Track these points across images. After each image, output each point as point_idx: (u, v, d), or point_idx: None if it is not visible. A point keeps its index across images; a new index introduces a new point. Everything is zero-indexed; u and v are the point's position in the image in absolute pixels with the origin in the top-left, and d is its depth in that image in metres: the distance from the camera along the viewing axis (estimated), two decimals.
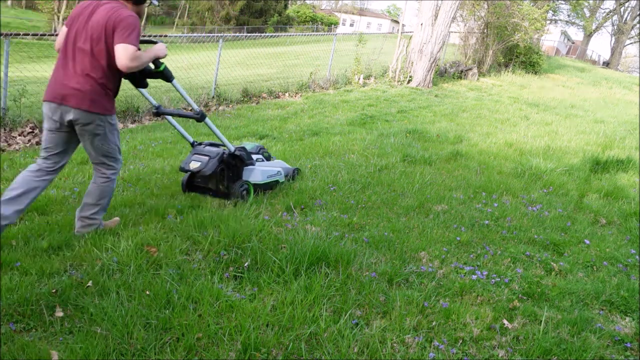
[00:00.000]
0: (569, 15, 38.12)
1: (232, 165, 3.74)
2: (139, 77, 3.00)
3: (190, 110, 3.73)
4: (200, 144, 3.90)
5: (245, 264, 2.68)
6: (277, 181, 4.11)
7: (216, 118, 6.97)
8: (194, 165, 3.61)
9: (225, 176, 3.75)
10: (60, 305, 2.23)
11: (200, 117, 3.40)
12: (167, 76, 3.01)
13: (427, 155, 5.41)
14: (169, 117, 3.79)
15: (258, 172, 3.92)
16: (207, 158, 3.62)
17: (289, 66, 11.88)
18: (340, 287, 2.53)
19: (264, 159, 4.11)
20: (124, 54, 2.62)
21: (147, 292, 2.33)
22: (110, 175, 2.96)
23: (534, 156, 5.78)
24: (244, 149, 3.86)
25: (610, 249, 3.39)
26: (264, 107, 8.09)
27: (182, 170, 3.66)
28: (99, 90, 2.73)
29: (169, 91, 8.37)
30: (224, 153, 3.69)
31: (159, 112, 3.55)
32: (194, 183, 3.90)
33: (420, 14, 13.15)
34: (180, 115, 3.61)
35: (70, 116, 2.71)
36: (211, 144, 3.88)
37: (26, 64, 7.78)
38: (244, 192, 3.81)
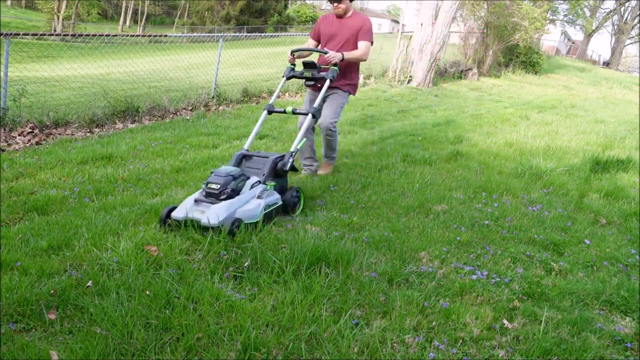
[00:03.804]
0: (565, 15, 38.13)
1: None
2: None
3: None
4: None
5: (245, 264, 2.68)
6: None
7: (216, 118, 6.97)
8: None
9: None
10: (58, 306, 2.23)
11: None
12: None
13: (427, 155, 5.41)
14: None
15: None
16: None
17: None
18: (340, 287, 2.53)
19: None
20: None
21: (147, 292, 2.33)
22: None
23: (534, 156, 5.78)
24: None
25: (611, 249, 3.39)
26: (264, 107, 8.09)
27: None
28: None
29: (169, 91, 8.37)
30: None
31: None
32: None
33: (420, 14, 13.15)
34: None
35: None
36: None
37: (26, 63, 7.79)
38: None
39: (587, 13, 39.65)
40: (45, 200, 3.42)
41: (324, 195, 4.01)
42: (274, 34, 17.74)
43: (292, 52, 4.14)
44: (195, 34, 24.28)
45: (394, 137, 6.45)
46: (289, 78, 4.16)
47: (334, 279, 2.59)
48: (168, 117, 6.99)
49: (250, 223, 3.06)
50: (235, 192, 3.16)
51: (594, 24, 41.14)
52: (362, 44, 4.25)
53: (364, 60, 4.35)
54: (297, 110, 3.92)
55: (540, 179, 4.93)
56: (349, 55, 4.13)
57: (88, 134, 5.77)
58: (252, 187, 3.27)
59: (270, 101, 4.06)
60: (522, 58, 18.66)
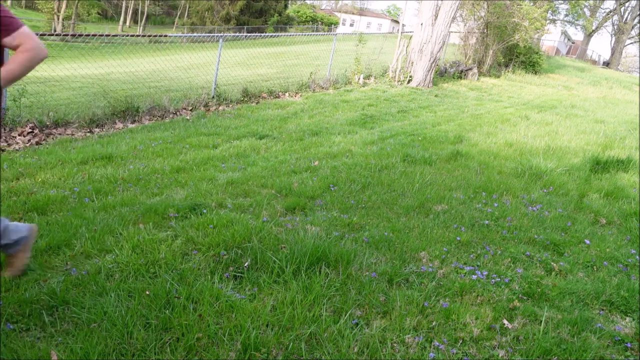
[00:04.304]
0: (566, 15, 38.14)
1: None
2: None
3: None
4: None
5: (245, 264, 2.68)
6: None
7: (216, 118, 6.97)
8: None
9: None
10: (58, 307, 2.22)
11: None
12: None
13: (427, 155, 5.41)
14: None
15: None
16: None
17: (289, 66, 11.90)
18: (340, 287, 2.53)
19: None
20: None
21: (147, 292, 2.33)
22: None
23: (534, 156, 5.78)
24: None
25: (611, 249, 3.39)
26: (264, 107, 8.09)
27: None
28: None
29: (169, 91, 8.37)
30: None
31: None
32: None
33: (420, 14, 13.15)
34: None
35: None
36: None
37: None
38: None
39: (587, 13, 39.66)
40: (45, 200, 3.41)
41: (323, 195, 4.01)
42: (274, 34, 17.76)
43: None
44: (195, 34, 24.28)
45: (394, 137, 6.45)
46: None
47: (334, 279, 2.59)
48: (168, 117, 6.99)
49: None
50: None
51: (594, 24, 41.15)
52: (18, 37, 2.04)
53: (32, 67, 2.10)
54: None
55: (540, 179, 4.93)
56: (9, 71, 2.00)
57: (88, 134, 5.77)
58: None
59: None
60: (522, 58, 18.66)
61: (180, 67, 11.99)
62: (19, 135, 5.29)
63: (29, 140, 5.19)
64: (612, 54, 42.53)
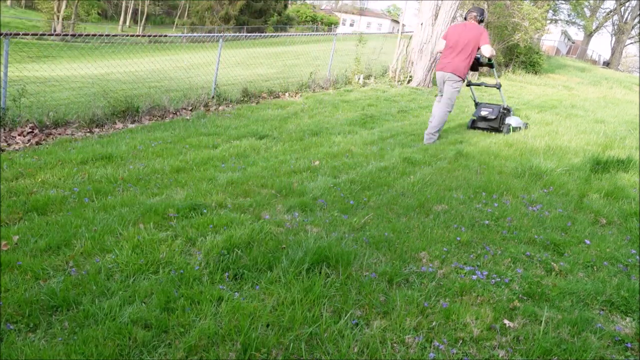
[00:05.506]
0: (569, 15, 38.15)
1: (505, 113, 7.07)
2: (476, 64, 6.47)
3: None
4: (482, 103, 7.29)
5: (245, 264, 2.68)
6: (519, 127, 7.11)
7: (216, 118, 6.97)
8: (484, 112, 6.98)
9: (502, 119, 7.02)
10: (59, 307, 2.23)
11: (499, 87, 7.16)
12: (492, 64, 6.80)
13: (427, 155, 5.41)
14: (471, 87, 7.63)
15: (514, 119, 7.12)
16: (491, 109, 6.99)
17: (289, 66, 11.89)
18: (340, 287, 2.53)
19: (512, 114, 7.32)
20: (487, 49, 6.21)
21: (147, 293, 2.33)
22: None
23: (535, 156, 5.78)
24: (508, 106, 7.23)
25: (611, 249, 3.39)
26: (264, 107, 8.09)
27: (477, 115, 7.09)
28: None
29: (169, 91, 8.37)
30: (501, 107, 7.05)
31: (469, 83, 7.35)
32: (477, 125, 7.16)
33: (420, 14, 13.14)
34: (484, 85, 8.03)
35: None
36: (488, 103, 7.30)
37: (26, 63, 7.79)
38: (508, 130, 6.92)
39: (587, 13, 39.67)
40: (45, 200, 3.42)
41: (324, 195, 4.01)
42: (274, 34, 17.75)
43: None
44: (195, 34, 24.30)
45: (394, 137, 6.45)
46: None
47: (334, 279, 2.59)
48: (168, 117, 6.99)
49: None
50: None
51: (594, 24, 41.16)
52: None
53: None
54: None
55: (540, 179, 4.93)
56: None
57: (88, 134, 5.77)
58: None
59: None
60: (522, 58, 18.68)
61: (180, 67, 12.00)
62: (18, 135, 5.29)
63: (29, 140, 5.20)
64: (612, 54, 42.54)
